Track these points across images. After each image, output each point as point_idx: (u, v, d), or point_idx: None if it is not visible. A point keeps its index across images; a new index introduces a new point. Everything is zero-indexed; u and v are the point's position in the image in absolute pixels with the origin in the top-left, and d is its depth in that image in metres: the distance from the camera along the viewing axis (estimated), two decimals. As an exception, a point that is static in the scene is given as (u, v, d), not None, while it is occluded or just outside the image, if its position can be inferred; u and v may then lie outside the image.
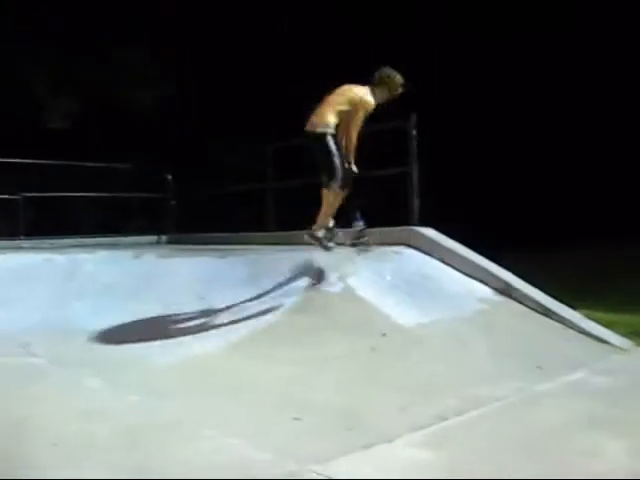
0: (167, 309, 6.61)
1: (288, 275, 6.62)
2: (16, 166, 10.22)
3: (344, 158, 6.71)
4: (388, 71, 6.71)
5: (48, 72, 13.62)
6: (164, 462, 3.28)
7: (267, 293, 6.47)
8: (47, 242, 9.59)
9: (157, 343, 5.83)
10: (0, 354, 5.66)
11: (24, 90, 13.59)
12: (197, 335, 5.94)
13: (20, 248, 8.92)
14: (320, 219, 6.88)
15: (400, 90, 6.71)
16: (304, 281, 6.41)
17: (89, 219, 13.06)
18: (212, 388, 4.59)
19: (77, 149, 11.83)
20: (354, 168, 6.83)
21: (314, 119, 6.67)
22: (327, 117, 6.63)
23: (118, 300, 6.99)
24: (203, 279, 7.12)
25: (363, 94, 6.64)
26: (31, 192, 10.37)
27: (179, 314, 6.45)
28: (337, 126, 6.65)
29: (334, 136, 6.63)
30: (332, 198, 6.77)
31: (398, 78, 6.69)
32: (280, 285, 6.53)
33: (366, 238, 7.08)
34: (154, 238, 10.92)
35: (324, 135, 6.59)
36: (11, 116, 12.86)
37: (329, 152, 6.55)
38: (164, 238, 10.99)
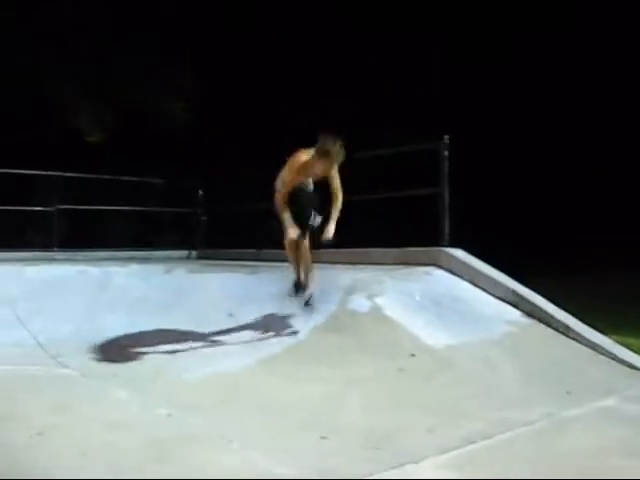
0: (197, 324, 6.67)
1: (317, 293, 6.65)
2: (51, 179, 10.40)
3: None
4: (320, 139, 6.25)
5: (82, 85, 13.83)
6: (190, 474, 3.31)
7: (295, 311, 6.51)
8: (80, 254, 9.72)
9: (186, 357, 5.89)
10: (32, 364, 5.78)
11: (59, 104, 13.82)
12: (225, 351, 5.99)
13: (54, 260, 9.07)
14: None
15: (337, 158, 6.23)
16: (332, 300, 6.43)
17: (121, 232, 13.20)
18: (239, 404, 4.61)
19: (111, 163, 11.99)
20: None
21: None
22: (278, 179, 6.74)
23: (149, 314, 7.07)
24: (232, 295, 7.18)
25: (285, 168, 6.61)
26: (65, 205, 10.52)
27: (208, 329, 6.50)
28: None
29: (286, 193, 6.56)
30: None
31: (325, 147, 6.21)
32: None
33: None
34: (185, 253, 11.01)
35: (273, 193, 6.75)
36: (45, 129, 13.10)
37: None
38: (194, 253, 11.07)
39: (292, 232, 6.49)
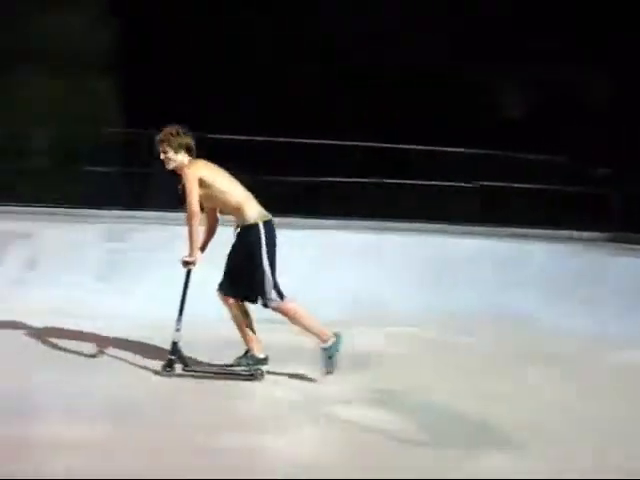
0: (614, 310, 6.49)
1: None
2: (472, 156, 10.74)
3: None
4: None
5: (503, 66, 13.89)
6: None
7: None
8: (493, 230, 9.86)
9: (602, 344, 5.76)
10: (446, 329, 6.18)
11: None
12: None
13: (469, 234, 9.38)
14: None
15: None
16: None
17: (525, 210, 13.04)
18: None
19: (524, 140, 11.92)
20: None
21: None
22: None
23: (559, 295, 6.98)
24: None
25: None
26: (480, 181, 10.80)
27: (629, 317, 6.28)
28: None
29: None
30: None
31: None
32: None
33: None
34: (598, 235, 10.54)
35: None
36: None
37: None
38: (610, 235, 10.53)
39: None
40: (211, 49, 11.61)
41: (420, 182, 10.56)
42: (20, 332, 5.32)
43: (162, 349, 4.71)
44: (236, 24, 11.79)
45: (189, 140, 4.69)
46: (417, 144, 10.29)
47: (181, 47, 11.39)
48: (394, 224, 9.42)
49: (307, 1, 12.30)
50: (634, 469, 3.16)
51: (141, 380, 4.34)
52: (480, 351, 5.60)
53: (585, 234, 10.35)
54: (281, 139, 10.29)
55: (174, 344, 4.53)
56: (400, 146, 10.36)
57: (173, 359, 4.52)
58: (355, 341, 5.05)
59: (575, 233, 9.95)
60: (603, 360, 5.38)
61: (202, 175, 4.58)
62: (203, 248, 4.71)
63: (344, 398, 4.15)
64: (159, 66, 11.29)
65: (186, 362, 4.57)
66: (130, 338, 5.21)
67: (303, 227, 8.14)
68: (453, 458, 3.25)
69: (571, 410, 4.12)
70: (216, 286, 4.60)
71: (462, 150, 10.63)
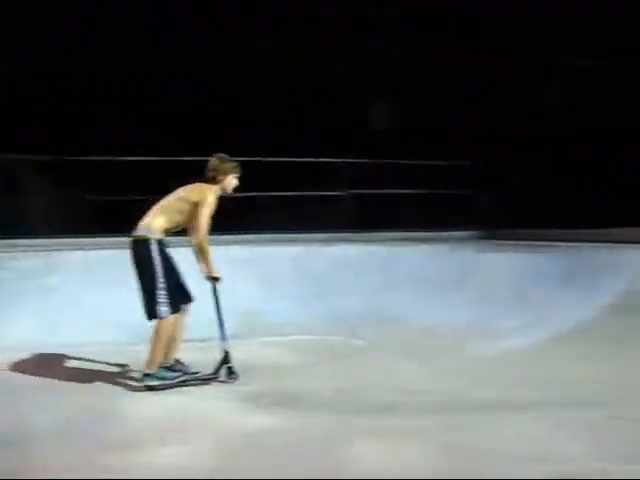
0: (483, 303, 6.77)
1: (605, 273, 6.46)
2: (342, 165, 11.10)
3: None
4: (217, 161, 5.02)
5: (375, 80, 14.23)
6: (482, 440, 3.43)
7: (584, 291, 6.33)
8: (369, 235, 10.24)
9: (474, 334, 6.05)
10: (332, 334, 6.41)
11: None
12: (513, 328, 6.04)
13: (348, 241, 9.67)
14: (152, 355, 4.70)
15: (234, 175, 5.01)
16: (623, 280, 6.17)
17: (407, 214, 13.48)
18: (530, 380, 4.65)
19: (395, 148, 12.33)
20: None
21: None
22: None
23: (435, 292, 7.30)
24: (519, 274, 7.17)
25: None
26: (354, 189, 11.16)
27: (495, 308, 6.55)
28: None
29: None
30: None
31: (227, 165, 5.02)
32: (597, 283, 6.37)
33: None
34: (469, 233, 11.08)
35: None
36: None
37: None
38: (479, 233, 11.09)
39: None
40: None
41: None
42: None
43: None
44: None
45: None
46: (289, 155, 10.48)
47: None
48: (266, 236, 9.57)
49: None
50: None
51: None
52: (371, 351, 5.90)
53: (457, 234, 10.88)
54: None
55: (227, 353, 4.85)
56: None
57: (231, 366, 4.82)
58: (245, 353, 5.24)
59: (446, 233, 10.43)
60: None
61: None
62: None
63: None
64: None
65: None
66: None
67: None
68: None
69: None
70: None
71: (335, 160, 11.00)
